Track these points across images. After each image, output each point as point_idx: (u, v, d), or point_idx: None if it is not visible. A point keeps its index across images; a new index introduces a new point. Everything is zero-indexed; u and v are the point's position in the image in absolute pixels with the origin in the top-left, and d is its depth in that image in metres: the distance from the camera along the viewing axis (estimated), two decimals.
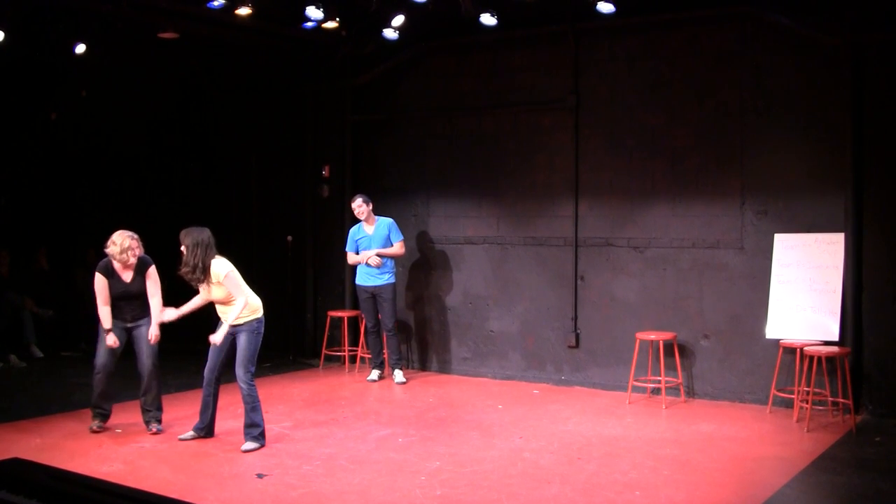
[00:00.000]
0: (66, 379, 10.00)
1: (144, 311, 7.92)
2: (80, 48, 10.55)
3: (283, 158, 12.07)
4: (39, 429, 7.98)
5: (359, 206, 10.24)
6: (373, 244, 10.19)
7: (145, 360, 7.89)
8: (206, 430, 7.65)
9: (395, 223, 10.37)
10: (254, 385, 7.39)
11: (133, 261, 7.76)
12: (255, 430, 7.38)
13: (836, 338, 8.48)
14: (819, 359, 8.22)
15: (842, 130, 8.60)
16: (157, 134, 13.20)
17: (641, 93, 9.65)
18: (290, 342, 11.60)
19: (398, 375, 10.21)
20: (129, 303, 7.88)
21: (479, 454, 7.27)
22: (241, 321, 7.35)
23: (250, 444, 7.33)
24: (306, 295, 11.77)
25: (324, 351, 11.13)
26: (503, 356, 10.52)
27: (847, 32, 8.50)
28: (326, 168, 11.67)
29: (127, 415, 8.20)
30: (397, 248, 10.28)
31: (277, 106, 12.03)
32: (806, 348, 8.29)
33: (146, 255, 7.91)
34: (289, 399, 9.34)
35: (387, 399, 9.52)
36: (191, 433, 7.65)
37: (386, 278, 10.20)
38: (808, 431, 8.00)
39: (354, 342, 11.18)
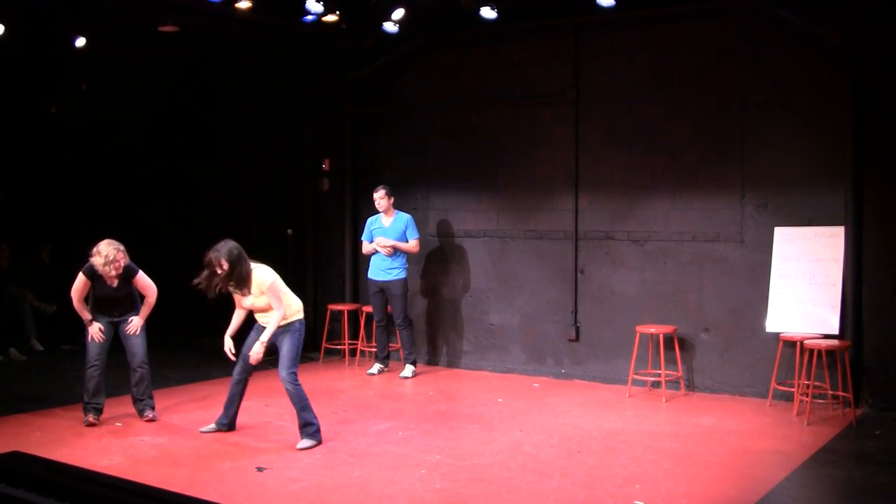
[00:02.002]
0: (67, 373, 9.98)
1: (131, 308, 8.01)
2: (81, 41, 10.54)
3: (284, 152, 12.06)
4: (39, 422, 7.99)
5: (381, 196, 10.18)
6: (387, 237, 10.15)
7: (136, 351, 7.94)
8: (228, 424, 7.61)
9: (413, 220, 10.31)
10: (299, 385, 7.26)
11: (116, 273, 7.75)
12: (310, 428, 7.28)
13: (836, 331, 8.48)
14: (819, 352, 8.22)
15: (842, 124, 8.59)
16: (157, 127, 13.19)
17: (641, 86, 9.64)
18: None
19: (407, 370, 10.19)
20: (115, 304, 7.95)
21: (479, 447, 7.28)
22: (283, 323, 7.28)
23: (306, 442, 7.21)
24: (306, 288, 11.74)
25: (324, 344, 11.14)
26: (503, 349, 10.52)
27: (847, 26, 8.49)
28: (326, 161, 11.67)
29: (126, 408, 8.20)
30: (412, 245, 10.23)
31: (278, 99, 12.02)
32: (806, 342, 8.29)
33: (131, 264, 7.89)
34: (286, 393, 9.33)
35: (387, 392, 9.53)
36: (212, 426, 7.62)
37: (395, 273, 10.17)
38: (808, 425, 8.00)
39: (354, 336, 11.18)
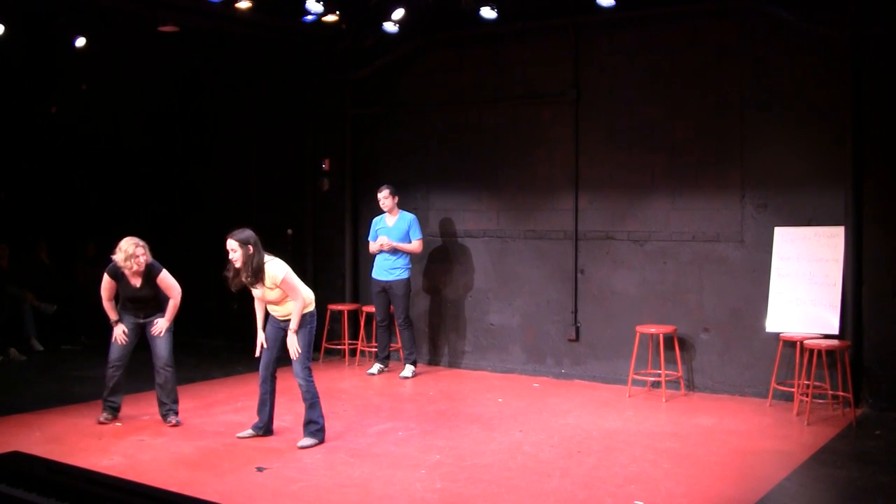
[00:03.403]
0: (67, 373, 10.00)
1: (158, 309, 7.96)
2: (81, 42, 10.54)
3: (283, 152, 12.06)
4: (39, 422, 7.98)
5: (385, 196, 10.19)
6: (390, 237, 10.17)
7: (161, 353, 7.90)
8: (264, 428, 7.48)
9: (416, 220, 10.31)
10: (312, 381, 7.26)
11: (138, 269, 7.74)
12: (313, 426, 7.27)
13: (836, 331, 8.48)
14: (819, 352, 8.22)
15: (842, 124, 8.59)
16: (156, 127, 13.20)
17: (641, 86, 9.64)
18: None
19: (407, 370, 10.19)
20: (140, 304, 7.92)
21: (479, 447, 7.28)
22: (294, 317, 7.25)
23: (307, 441, 7.21)
24: None
25: (324, 344, 11.11)
26: (503, 349, 10.52)
27: (847, 26, 8.49)
28: (326, 161, 11.67)
29: (127, 408, 8.18)
30: (415, 245, 10.23)
31: (277, 99, 12.02)
32: (806, 342, 8.29)
33: (154, 262, 7.87)
34: (288, 393, 9.31)
35: (387, 392, 9.52)
36: (249, 431, 7.49)
37: (399, 273, 10.18)
38: (808, 425, 8.00)
39: (354, 336, 11.18)
